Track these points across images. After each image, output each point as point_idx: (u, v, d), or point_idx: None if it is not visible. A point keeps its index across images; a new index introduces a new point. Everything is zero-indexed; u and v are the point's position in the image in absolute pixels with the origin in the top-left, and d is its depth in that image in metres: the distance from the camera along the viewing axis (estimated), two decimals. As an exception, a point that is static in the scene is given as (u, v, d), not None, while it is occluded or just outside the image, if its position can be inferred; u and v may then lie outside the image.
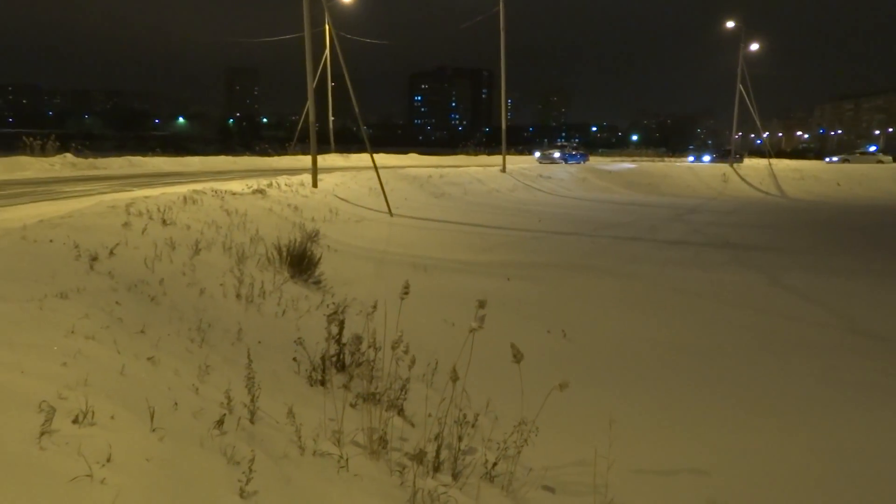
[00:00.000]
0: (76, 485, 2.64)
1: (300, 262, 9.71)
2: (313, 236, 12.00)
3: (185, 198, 12.74)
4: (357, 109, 21.15)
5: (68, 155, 27.11)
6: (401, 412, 5.28)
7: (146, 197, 12.15)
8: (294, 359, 5.68)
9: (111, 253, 7.14)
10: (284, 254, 9.70)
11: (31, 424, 2.96)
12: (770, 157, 51.46)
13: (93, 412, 3.14)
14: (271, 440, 3.90)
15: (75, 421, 3.08)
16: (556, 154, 49.53)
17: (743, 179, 44.26)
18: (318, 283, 9.65)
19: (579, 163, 48.36)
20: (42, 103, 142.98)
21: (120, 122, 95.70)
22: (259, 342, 6.23)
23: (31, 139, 27.50)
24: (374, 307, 4.68)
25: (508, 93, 38.03)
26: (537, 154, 51.97)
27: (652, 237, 19.95)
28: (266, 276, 8.70)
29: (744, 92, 47.98)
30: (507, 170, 35.74)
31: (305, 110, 24.88)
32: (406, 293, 4.55)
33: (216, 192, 14.62)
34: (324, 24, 36.20)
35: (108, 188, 18.32)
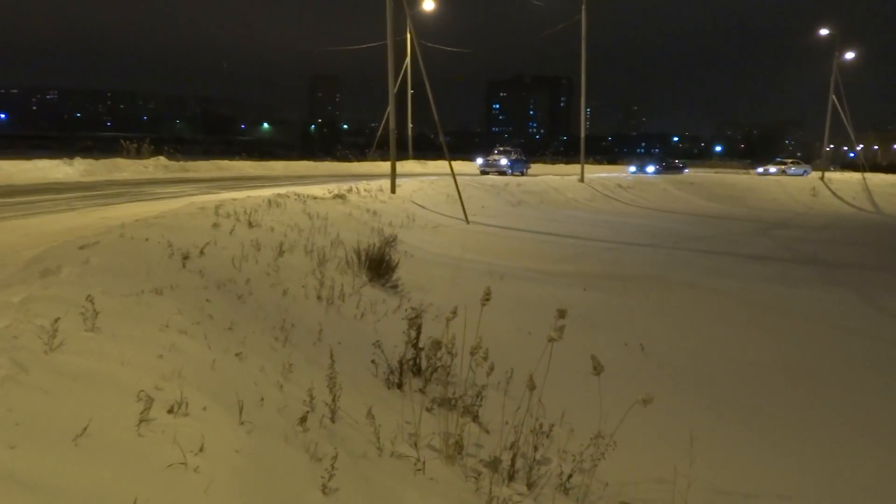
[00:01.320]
0: (172, 471, 2.77)
1: (378, 266, 9.87)
2: (391, 241, 12.18)
3: (269, 201, 13.18)
4: (437, 117, 21.37)
5: (161, 158, 28.43)
6: (476, 418, 5.29)
7: (233, 199, 12.62)
8: (372, 361, 5.78)
9: (201, 252, 7.44)
10: (363, 258, 9.88)
11: (131, 412, 3.12)
12: (864, 170, 48.99)
13: (187, 403, 3.29)
14: (351, 440, 3.99)
15: (170, 411, 3.23)
16: (504, 161, 37.83)
17: (834, 194, 42.38)
18: (395, 287, 9.78)
19: (523, 172, 38.17)
20: (138, 108, 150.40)
21: (208, 127, 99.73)
22: (339, 343, 6.37)
23: (127, 142, 28.99)
24: (455, 313, 4.72)
25: (587, 101, 37.61)
26: (479, 161, 39.83)
27: (735, 251, 19.34)
28: (345, 279, 8.88)
29: (837, 102, 45.93)
30: (585, 179, 35.34)
31: (385, 117, 25.28)
32: (487, 299, 4.58)
33: (299, 196, 15.05)
34: (406, 33, 36.76)
35: (197, 190, 19.11)
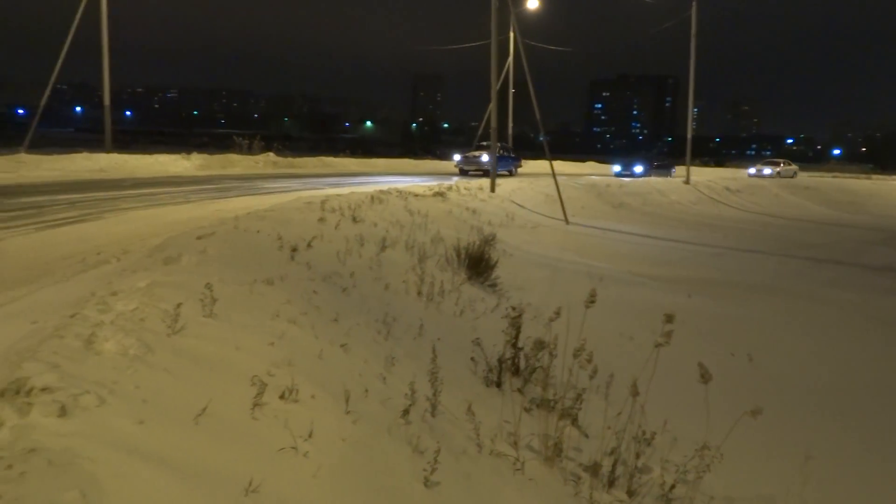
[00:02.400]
0: (283, 455, 2.88)
1: (477, 264, 9.90)
2: (490, 240, 12.19)
3: (372, 197, 13.48)
4: (538, 115, 21.21)
5: (270, 154, 29.61)
6: (575, 422, 5.22)
7: (338, 195, 12.99)
8: (472, 358, 5.81)
9: (308, 245, 7.69)
10: (463, 255, 9.94)
11: (245, 396, 3.26)
12: None
13: (297, 390, 3.41)
14: (451, 435, 4.02)
15: (282, 397, 3.36)
16: (485, 158, 29.43)
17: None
18: (493, 286, 9.78)
19: (510, 172, 32.41)
20: (249, 107, 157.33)
21: (315, 124, 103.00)
22: (438, 339, 6.43)
23: (239, 139, 30.40)
24: (558, 314, 4.67)
25: (695, 101, 36.31)
26: (457, 158, 32.76)
27: (853, 261, 18.18)
28: (445, 276, 8.96)
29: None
30: (690, 181, 34.17)
31: (487, 115, 25.37)
32: (592, 301, 4.50)
33: (400, 192, 15.32)
34: (509, 32, 36.67)
35: (303, 186, 19.77)
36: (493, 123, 21.02)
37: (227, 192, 17.70)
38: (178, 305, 4.02)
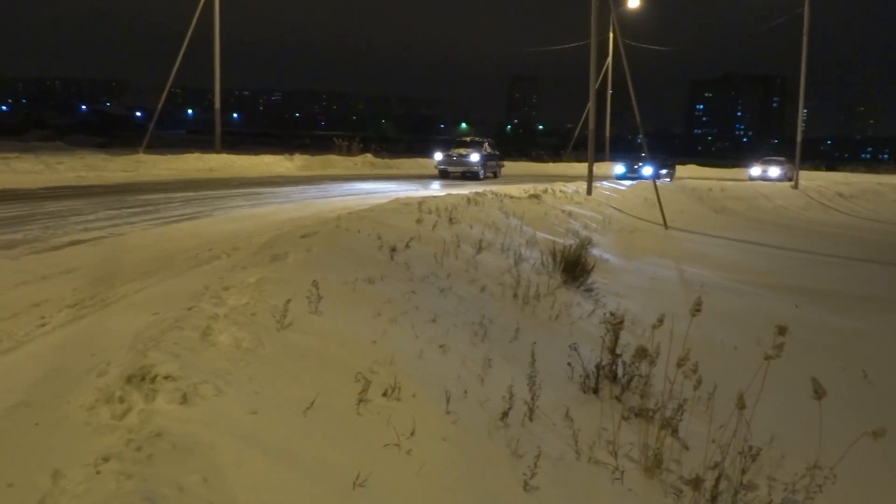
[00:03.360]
0: (387, 451, 2.95)
1: (573, 268, 9.78)
2: (586, 244, 12.02)
3: (468, 199, 13.55)
4: (638, 117, 20.74)
5: (368, 155, 30.32)
6: (675, 433, 5.07)
7: (435, 197, 13.14)
8: (568, 363, 5.75)
9: (407, 246, 7.82)
10: (558, 259, 9.84)
11: (350, 392, 3.36)
12: None
13: (399, 388, 3.48)
14: (548, 440, 4.00)
15: (385, 394, 3.44)
16: (475, 157, 26.88)
17: None
18: (589, 290, 9.64)
19: (496, 174, 29.24)
20: (349, 109, 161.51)
21: (411, 126, 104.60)
22: (534, 343, 6.40)
23: (339, 140, 31.28)
24: (661, 321, 4.56)
25: (805, 101, 34.53)
26: (439, 157, 27.64)
27: (984, 274, 16.79)
28: (540, 280, 8.90)
29: None
30: (799, 186, 32.54)
31: (584, 116, 25.00)
32: (698, 310, 4.38)
33: (495, 194, 15.33)
34: (608, 32, 36.06)
35: (399, 187, 20.10)
36: (591, 125, 20.70)
37: (327, 192, 18.24)
38: (287, 302, 4.18)
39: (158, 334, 3.65)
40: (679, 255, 15.08)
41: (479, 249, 9.15)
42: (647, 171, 29.08)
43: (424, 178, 25.24)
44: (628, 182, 25.75)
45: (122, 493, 2.15)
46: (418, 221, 9.82)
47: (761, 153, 48.19)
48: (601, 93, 40.02)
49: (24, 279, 6.39)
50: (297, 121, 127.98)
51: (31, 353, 4.03)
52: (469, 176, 26.59)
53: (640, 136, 21.74)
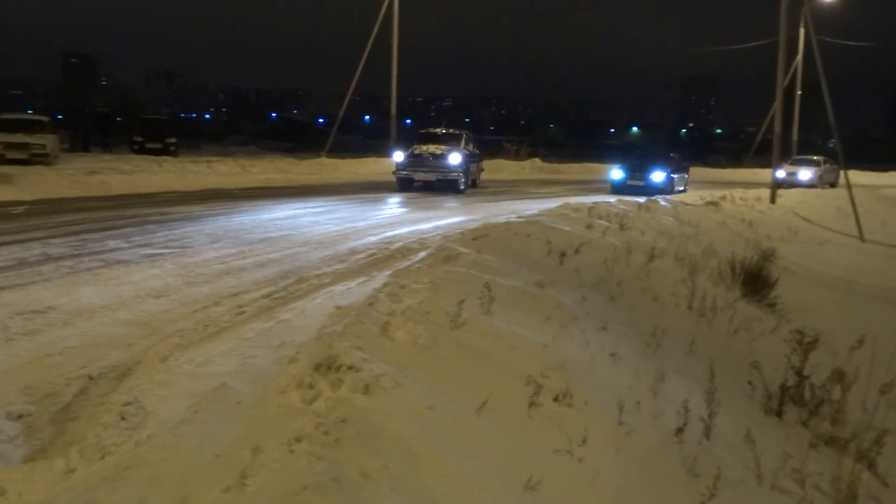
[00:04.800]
0: (559, 457, 2.93)
1: (754, 281, 9.19)
2: (769, 255, 11.22)
3: (639, 205, 13.17)
4: (832, 119, 19.08)
5: (536, 160, 30.36)
6: (872, 467, 4.60)
7: (605, 202, 12.89)
8: (749, 382, 5.40)
9: (576, 251, 7.73)
10: (738, 270, 9.29)
11: (521, 394, 3.38)
12: None
13: (571, 394, 3.45)
14: (727, 461, 3.78)
15: (556, 399, 3.42)
16: (454, 160, 18.38)
17: None
18: (772, 305, 9.00)
19: (475, 182, 20.38)
20: (517, 113, 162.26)
21: (579, 130, 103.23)
22: (709, 357, 6.08)
23: (508, 145, 31.58)
24: (861, 342, 4.17)
25: None
26: (400, 160, 18.83)
27: None
28: (718, 292, 8.44)
29: None
30: None
31: (768, 118, 23.35)
32: (908, 333, 3.94)
33: (668, 200, 14.77)
34: (798, 28, 33.50)
35: (567, 191, 19.92)
36: (777, 127, 19.33)
37: (497, 195, 18.47)
38: (461, 302, 4.28)
39: (342, 327, 3.87)
40: (877, 270, 13.67)
41: (652, 257, 8.84)
42: (658, 177, 20.86)
43: (594, 183, 24.74)
44: (679, 194, 19.59)
45: (313, 472, 2.30)
46: (588, 227, 9.67)
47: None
48: (789, 93, 37.22)
49: (225, 269, 7.04)
50: (466, 126, 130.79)
51: (232, 338, 4.42)
52: (443, 186, 18.06)
53: (834, 139, 19.95)
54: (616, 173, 21.66)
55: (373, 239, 9.58)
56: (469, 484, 2.55)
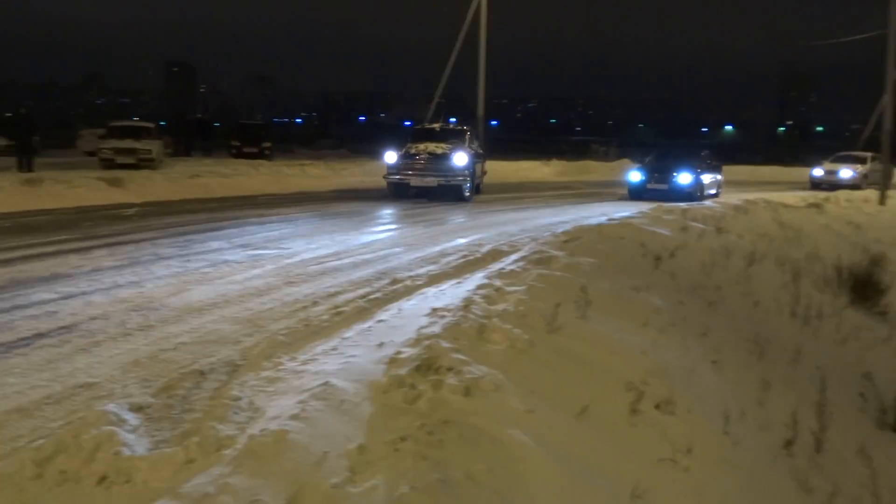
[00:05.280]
0: (663, 466, 2.87)
1: (863, 287, 8.70)
2: (879, 260, 10.59)
3: (736, 207, 12.70)
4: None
5: (626, 160, 29.76)
6: None
7: (699, 205, 12.51)
8: (861, 394, 5.13)
9: (672, 255, 7.53)
10: (844, 276, 8.82)
11: (622, 400, 3.33)
12: None
13: (673, 402, 3.37)
14: (839, 477, 3.60)
15: (657, 407, 3.35)
16: (461, 159, 15.64)
17: None
18: (883, 313, 8.49)
19: (478, 187, 17.29)
20: (604, 114, 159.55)
21: (670, 130, 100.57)
22: (816, 367, 5.80)
23: (597, 146, 31.13)
24: None
25: None
26: (391, 160, 15.94)
27: None
28: (823, 298, 8.04)
29: None
30: None
31: (875, 114, 22.04)
32: None
33: (768, 203, 14.16)
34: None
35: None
36: (887, 124, 18.20)
37: (585, 197, 18.23)
38: (557, 306, 4.25)
39: (439, 329, 3.91)
40: None
41: (751, 262, 8.51)
42: (684, 178, 17.74)
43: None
44: (710, 198, 17.23)
45: (419, 472, 2.34)
46: (683, 230, 9.41)
47: None
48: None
49: (321, 270, 7.25)
50: (552, 127, 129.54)
51: (333, 337, 4.54)
52: (445, 191, 15.41)
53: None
54: (634, 175, 18.52)
55: (462, 241, 9.64)
56: (573, 490, 2.54)
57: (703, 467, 2.93)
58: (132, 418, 3.14)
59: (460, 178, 15.42)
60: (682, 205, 12.14)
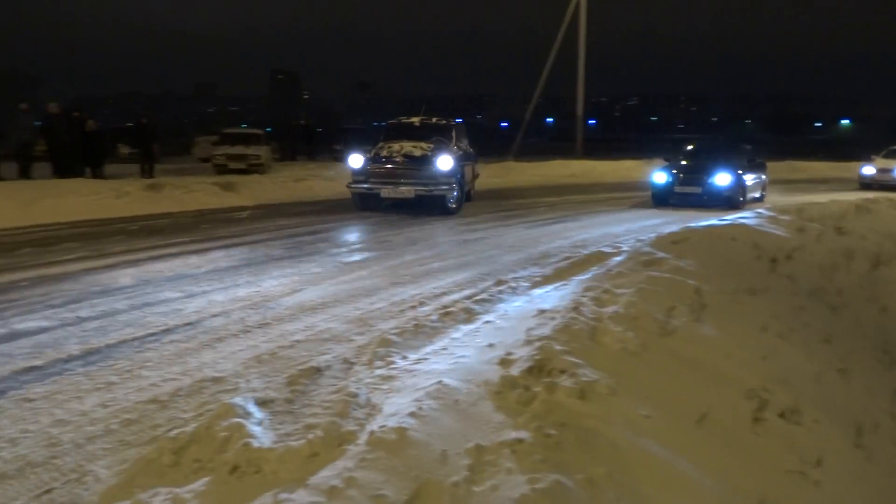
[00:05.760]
0: (791, 478, 2.75)
1: None
2: None
3: (857, 206, 11.95)
4: None
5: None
6: None
7: (816, 203, 11.85)
8: None
9: (788, 257, 7.17)
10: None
11: (743, 408, 3.21)
12: None
13: (799, 411, 3.22)
14: None
15: (781, 416, 3.21)
16: (445, 162, 12.62)
17: None
18: None
19: (469, 192, 14.48)
20: (709, 110, 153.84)
21: (779, 126, 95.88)
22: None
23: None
24: None
25: None
26: (358, 163, 12.93)
27: None
28: (960, 304, 7.45)
29: None
30: None
31: None
32: None
33: (892, 201, 13.26)
34: None
35: (771, 191, 18.52)
36: None
37: (600, 204, 17.62)
38: (670, 309, 4.15)
39: (550, 331, 3.89)
40: None
41: (877, 264, 7.99)
42: (723, 179, 14.61)
43: (799, 182, 22.75)
44: (754, 203, 14.96)
45: (540, 474, 2.34)
46: (799, 230, 8.94)
47: None
48: None
49: (425, 271, 7.36)
50: (653, 125, 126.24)
51: (441, 337, 4.60)
52: (429, 202, 12.75)
53: None
54: (659, 177, 15.22)
55: (565, 243, 9.55)
56: (695, 500, 2.47)
57: (835, 482, 2.78)
58: (257, 412, 3.30)
59: (444, 187, 12.54)
60: (798, 203, 11.54)
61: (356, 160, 12.87)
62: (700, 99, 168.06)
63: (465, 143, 14.86)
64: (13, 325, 5.06)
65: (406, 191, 12.46)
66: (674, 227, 9.04)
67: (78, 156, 16.43)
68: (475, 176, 15.85)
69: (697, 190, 14.79)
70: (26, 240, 9.21)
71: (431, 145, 13.01)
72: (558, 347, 3.53)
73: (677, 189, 14.93)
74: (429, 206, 12.63)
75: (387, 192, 12.62)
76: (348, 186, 13.05)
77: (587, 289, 5.03)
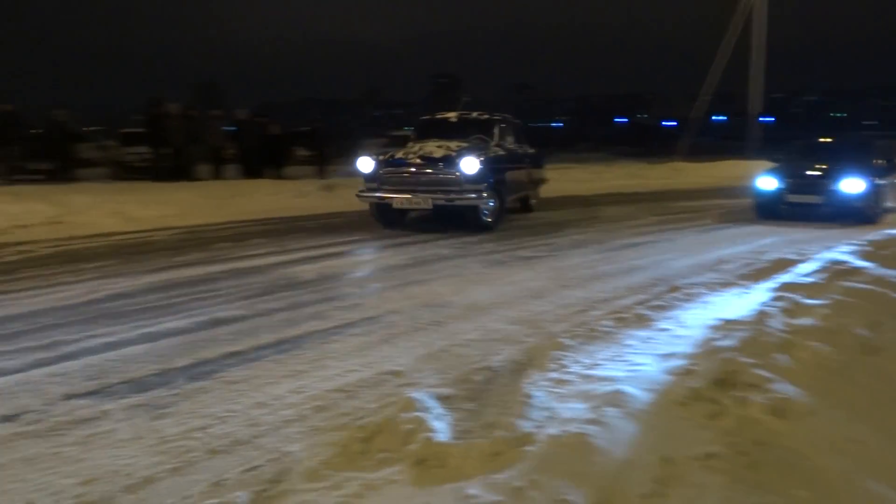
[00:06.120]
0: None
1: None
2: None
3: None
4: None
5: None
6: None
7: None
8: None
9: None
10: None
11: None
12: None
13: None
14: None
15: None
16: (471, 164, 10.02)
17: None
18: None
19: (524, 201, 12.72)
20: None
21: None
22: None
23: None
24: None
25: None
26: (368, 166, 10.71)
27: None
28: None
29: None
30: None
31: None
32: None
33: None
34: None
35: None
36: None
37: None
38: (876, 324, 3.80)
39: (735, 342, 3.69)
40: None
41: None
42: (852, 186, 11.60)
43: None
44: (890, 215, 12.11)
45: (735, 493, 2.23)
46: None
47: None
48: None
49: (593, 274, 7.24)
50: (838, 122, 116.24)
51: (613, 343, 4.50)
52: (458, 210, 10.62)
53: None
54: (766, 182, 12.39)
55: (743, 248, 9.02)
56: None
57: None
58: (437, 406, 3.40)
59: (472, 196, 10.18)
60: None
61: (366, 163, 10.70)
62: (894, 93, 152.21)
63: (512, 142, 12.44)
64: (216, 313, 5.57)
65: (420, 200, 10.32)
66: (812, 247, 8.25)
67: (263, 158, 17.83)
68: (534, 182, 13.42)
69: (817, 199, 11.90)
70: (221, 235, 10.13)
71: (465, 144, 10.68)
72: (747, 360, 3.34)
73: (790, 198, 12.11)
74: (459, 220, 10.61)
75: (399, 201, 10.42)
76: (358, 195, 10.90)
77: (775, 298, 4.72)
